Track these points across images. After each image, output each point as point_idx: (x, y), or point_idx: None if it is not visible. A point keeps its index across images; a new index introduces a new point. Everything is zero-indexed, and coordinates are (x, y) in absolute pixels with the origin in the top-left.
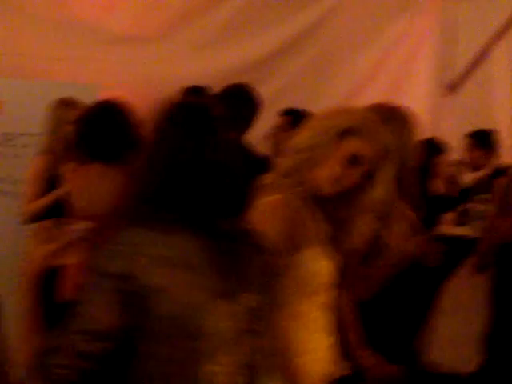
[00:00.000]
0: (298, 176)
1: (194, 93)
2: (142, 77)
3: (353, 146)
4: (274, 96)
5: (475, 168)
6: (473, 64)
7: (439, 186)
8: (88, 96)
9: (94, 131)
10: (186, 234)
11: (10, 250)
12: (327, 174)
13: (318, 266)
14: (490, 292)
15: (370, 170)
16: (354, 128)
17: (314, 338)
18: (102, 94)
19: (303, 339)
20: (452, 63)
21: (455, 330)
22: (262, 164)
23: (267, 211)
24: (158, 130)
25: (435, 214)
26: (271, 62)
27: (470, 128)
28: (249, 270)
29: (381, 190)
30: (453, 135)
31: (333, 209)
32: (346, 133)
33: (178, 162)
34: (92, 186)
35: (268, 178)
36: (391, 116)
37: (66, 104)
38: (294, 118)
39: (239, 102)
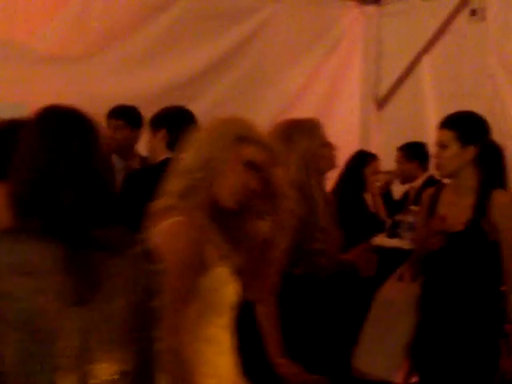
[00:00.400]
0: (195, 196)
1: (122, 112)
2: (71, 96)
3: (248, 152)
4: (206, 113)
5: (407, 180)
6: (399, 80)
7: (369, 198)
8: (14, 115)
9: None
10: (46, 241)
11: None
12: (229, 186)
13: (226, 287)
14: (418, 301)
15: (267, 176)
16: (244, 135)
17: (218, 360)
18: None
19: (208, 362)
20: (378, 79)
21: (382, 338)
22: None
23: (170, 234)
24: (24, 138)
25: (371, 229)
26: (201, 79)
27: (400, 142)
28: (113, 278)
29: (281, 196)
30: (383, 150)
31: (237, 221)
32: (238, 140)
33: (40, 170)
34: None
35: (162, 202)
36: (295, 129)
37: None
38: None
39: (181, 123)
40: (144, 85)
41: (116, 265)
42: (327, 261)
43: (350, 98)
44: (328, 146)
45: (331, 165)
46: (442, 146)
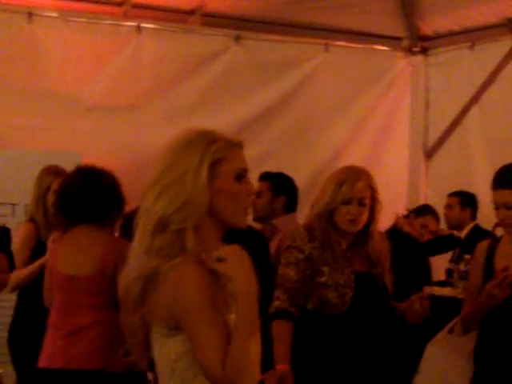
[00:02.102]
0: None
1: None
2: (121, 145)
3: (238, 159)
4: (255, 162)
5: (456, 227)
6: (447, 129)
7: None
8: (68, 164)
9: (75, 194)
10: None
11: None
12: (231, 208)
13: None
14: (475, 353)
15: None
16: (219, 156)
17: None
18: (83, 162)
19: None
20: (426, 129)
21: None
22: (256, 236)
23: (181, 282)
24: None
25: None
26: (250, 128)
27: (449, 192)
28: None
29: None
30: (432, 199)
31: None
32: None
33: None
34: (76, 247)
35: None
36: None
37: (51, 173)
38: (272, 183)
39: None
40: None
41: None
42: (334, 296)
43: (399, 147)
44: (350, 205)
45: (346, 224)
46: (507, 207)
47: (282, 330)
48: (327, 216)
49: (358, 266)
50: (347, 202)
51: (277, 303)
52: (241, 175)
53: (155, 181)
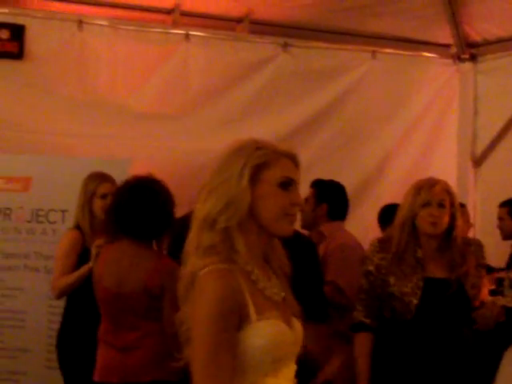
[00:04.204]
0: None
1: None
2: (169, 152)
3: (285, 167)
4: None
5: (510, 236)
6: (496, 137)
7: None
8: (117, 172)
9: (129, 207)
10: None
11: (42, 326)
12: (270, 215)
13: (275, 341)
14: None
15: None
16: (263, 161)
17: None
18: (132, 169)
19: None
20: (475, 136)
21: None
22: (305, 241)
23: (204, 283)
24: None
25: None
26: (296, 136)
27: (498, 200)
28: None
29: None
30: (481, 208)
31: None
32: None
33: None
34: (121, 263)
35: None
36: (411, 187)
37: (96, 178)
38: (316, 190)
39: None
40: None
41: None
42: (400, 306)
43: (447, 155)
44: (430, 207)
45: (428, 226)
46: None
47: (359, 345)
48: (409, 224)
49: (434, 272)
50: (427, 204)
51: (354, 314)
52: (285, 183)
53: (205, 185)
